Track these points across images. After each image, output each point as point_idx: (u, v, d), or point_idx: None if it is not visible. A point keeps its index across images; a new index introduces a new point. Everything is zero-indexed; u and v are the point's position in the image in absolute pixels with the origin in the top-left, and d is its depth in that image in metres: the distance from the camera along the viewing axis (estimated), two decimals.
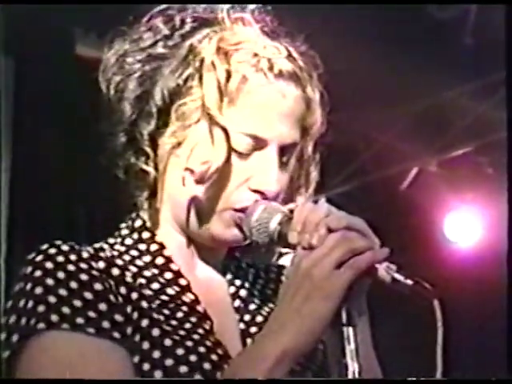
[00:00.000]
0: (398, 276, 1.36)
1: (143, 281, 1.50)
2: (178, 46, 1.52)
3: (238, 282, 1.58)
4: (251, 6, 1.55)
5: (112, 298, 1.44)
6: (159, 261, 1.53)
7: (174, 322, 1.47)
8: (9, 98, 4.31)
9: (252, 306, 1.56)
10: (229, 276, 1.58)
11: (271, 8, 1.56)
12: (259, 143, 1.49)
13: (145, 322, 1.45)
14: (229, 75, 1.48)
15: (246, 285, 1.58)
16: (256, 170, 1.49)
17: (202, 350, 1.45)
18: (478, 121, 5.34)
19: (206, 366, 1.44)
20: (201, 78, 1.49)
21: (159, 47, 1.52)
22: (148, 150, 1.51)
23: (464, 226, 5.87)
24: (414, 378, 1.39)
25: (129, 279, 1.49)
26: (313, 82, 1.53)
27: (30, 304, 1.43)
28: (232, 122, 1.48)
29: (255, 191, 1.50)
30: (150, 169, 1.51)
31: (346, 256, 1.37)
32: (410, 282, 1.36)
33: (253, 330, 1.53)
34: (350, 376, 1.36)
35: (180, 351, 1.44)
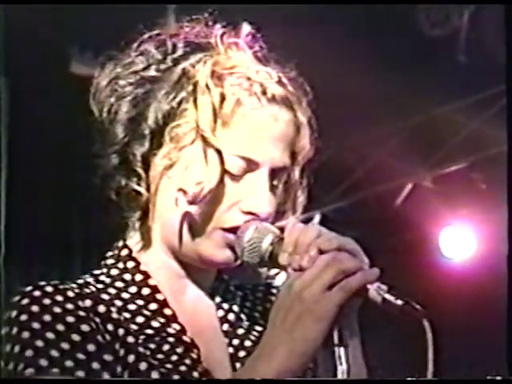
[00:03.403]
0: (388, 296, 1.37)
1: (128, 315, 1.50)
2: (170, 70, 1.53)
3: (226, 306, 1.58)
4: (244, 31, 1.57)
5: (100, 337, 1.44)
6: (145, 291, 1.53)
7: (160, 356, 1.47)
8: (4, 116, 4.32)
9: (240, 331, 1.56)
10: (217, 299, 1.58)
11: (260, 31, 1.58)
12: (251, 166, 1.51)
13: (131, 358, 1.45)
14: (223, 98, 1.50)
15: (235, 308, 1.59)
16: (248, 192, 1.50)
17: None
18: (471, 137, 5.36)
19: None
20: (195, 101, 1.50)
21: (152, 70, 1.54)
22: (140, 171, 1.52)
23: (459, 242, 5.88)
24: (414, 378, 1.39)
25: (115, 315, 1.49)
26: (302, 107, 1.55)
27: (17, 349, 1.42)
28: (225, 144, 1.49)
29: (247, 213, 1.50)
30: (142, 189, 1.52)
31: (337, 277, 1.37)
32: (400, 302, 1.36)
33: (241, 354, 1.53)
34: None
35: None
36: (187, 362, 1.48)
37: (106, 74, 1.55)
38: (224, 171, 1.49)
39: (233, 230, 1.50)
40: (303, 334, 1.36)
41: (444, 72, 4.73)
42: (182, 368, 1.47)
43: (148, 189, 1.53)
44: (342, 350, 1.38)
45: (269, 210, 1.51)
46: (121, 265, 1.55)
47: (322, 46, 4.24)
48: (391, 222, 5.92)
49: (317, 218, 1.48)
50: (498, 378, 1.64)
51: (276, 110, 1.52)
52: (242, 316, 1.59)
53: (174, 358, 1.48)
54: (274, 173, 1.53)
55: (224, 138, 1.49)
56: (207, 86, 1.50)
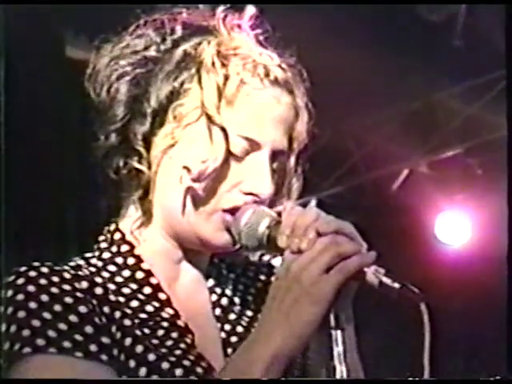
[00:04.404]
0: (385, 280, 1.37)
1: (122, 299, 1.50)
2: (170, 52, 1.53)
3: (219, 290, 1.58)
4: (248, 13, 1.56)
5: (97, 319, 1.44)
6: (138, 275, 1.53)
7: (154, 341, 1.47)
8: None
9: (232, 316, 1.56)
10: (210, 283, 1.58)
11: (263, 13, 1.58)
12: (253, 147, 1.51)
13: (128, 341, 1.45)
14: (227, 78, 1.50)
15: (227, 292, 1.58)
16: (249, 173, 1.50)
17: (186, 363, 1.46)
18: (467, 122, 5.36)
19: (192, 378, 1.44)
20: (200, 79, 1.50)
21: (152, 51, 1.54)
22: (141, 149, 1.52)
23: (454, 227, 5.89)
24: (416, 378, 1.38)
25: (111, 297, 1.49)
26: (301, 93, 1.55)
27: (13, 328, 1.41)
28: (229, 124, 1.49)
29: (248, 194, 1.50)
30: (144, 168, 1.52)
31: (334, 260, 1.37)
32: (397, 285, 1.36)
33: (233, 339, 1.53)
34: (338, 378, 1.36)
35: (165, 365, 1.44)
36: (182, 346, 1.48)
37: (105, 55, 1.55)
38: (229, 150, 1.49)
39: (232, 212, 1.50)
40: (300, 317, 1.36)
41: (441, 57, 4.72)
42: (177, 352, 1.47)
43: (149, 167, 1.52)
44: (338, 332, 1.38)
45: (270, 192, 1.51)
46: (114, 248, 1.55)
47: (320, 32, 4.23)
48: (387, 207, 5.93)
49: (313, 201, 1.47)
50: (498, 377, 1.63)
51: (278, 92, 1.52)
52: (235, 300, 1.59)
53: (169, 342, 1.48)
54: (274, 155, 1.53)
55: (228, 117, 1.49)
56: (213, 64, 1.50)
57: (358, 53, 4.53)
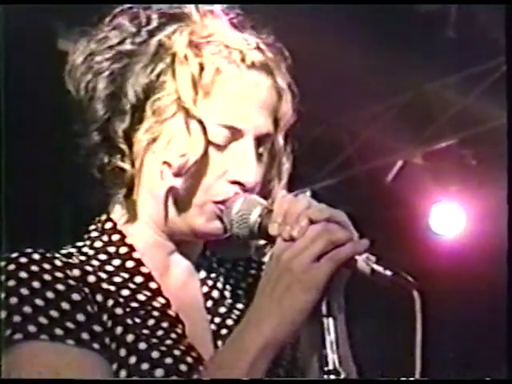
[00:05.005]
0: (377, 267, 1.36)
1: (113, 288, 1.49)
2: (146, 43, 1.51)
3: (210, 282, 1.57)
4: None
5: (89, 307, 1.44)
6: (129, 264, 1.52)
7: (145, 330, 1.46)
8: None
9: (222, 309, 1.56)
10: (202, 275, 1.58)
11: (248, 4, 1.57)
12: (235, 134, 1.49)
13: (119, 330, 1.45)
14: (202, 68, 1.48)
15: (218, 285, 1.58)
16: (233, 162, 1.49)
17: (176, 352, 1.45)
18: (461, 113, 5.36)
19: (182, 367, 1.44)
20: (174, 72, 1.49)
21: (127, 44, 1.52)
22: (123, 147, 1.51)
23: (449, 218, 5.90)
24: (423, 378, 1.37)
25: (104, 286, 1.48)
26: (282, 72, 1.53)
27: (4, 314, 1.41)
28: (208, 114, 1.48)
29: (234, 182, 1.49)
30: (127, 166, 1.51)
31: (326, 248, 1.37)
32: (389, 273, 1.35)
33: (223, 331, 1.53)
34: (331, 366, 1.36)
35: (155, 354, 1.44)
36: (172, 335, 1.48)
37: (81, 51, 1.53)
38: (208, 142, 1.48)
39: (224, 203, 1.49)
40: (292, 304, 1.36)
41: (434, 48, 4.72)
42: (168, 342, 1.46)
43: (133, 165, 1.51)
44: (330, 320, 1.38)
45: (256, 179, 1.50)
46: (105, 237, 1.54)
47: (314, 26, 4.22)
48: (382, 199, 5.93)
49: (308, 192, 1.46)
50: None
51: (256, 75, 1.50)
52: (226, 293, 1.58)
53: (160, 332, 1.47)
54: (259, 140, 1.51)
55: (206, 107, 1.48)
56: (185, 56, 1.48)
57: (351, 46, 4.53)
